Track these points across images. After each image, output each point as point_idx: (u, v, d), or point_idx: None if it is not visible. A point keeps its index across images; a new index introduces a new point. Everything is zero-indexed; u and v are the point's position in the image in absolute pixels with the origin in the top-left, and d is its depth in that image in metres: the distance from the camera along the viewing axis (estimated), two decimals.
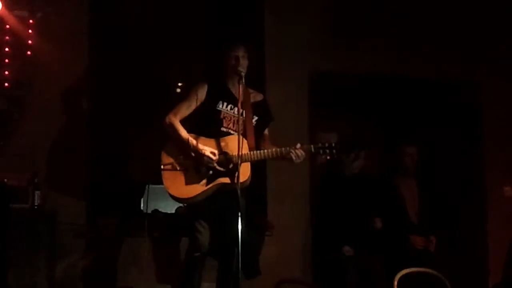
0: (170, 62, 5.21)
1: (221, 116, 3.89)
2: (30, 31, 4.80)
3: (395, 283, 4.02)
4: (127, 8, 5.10)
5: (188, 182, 3.78)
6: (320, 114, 5.57)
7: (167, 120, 3.85)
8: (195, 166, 3.79)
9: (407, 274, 4.11)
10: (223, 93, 3.94)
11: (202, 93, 3.92)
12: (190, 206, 3.94)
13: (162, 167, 3.79)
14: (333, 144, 3.81)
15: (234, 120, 3.89)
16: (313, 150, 3.83)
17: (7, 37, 4.75)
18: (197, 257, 3.80)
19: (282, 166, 5.04)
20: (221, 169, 3.77)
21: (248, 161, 3.76)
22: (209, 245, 3.80)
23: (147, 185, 4.52)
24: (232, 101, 3.91)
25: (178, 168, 3.80)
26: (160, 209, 4.85)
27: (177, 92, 5.24)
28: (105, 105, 5.04)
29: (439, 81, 5.79)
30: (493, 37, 5.84)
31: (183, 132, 3.81)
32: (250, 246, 3.83)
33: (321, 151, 3.82)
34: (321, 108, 5.56)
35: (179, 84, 5.23)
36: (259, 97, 4.05)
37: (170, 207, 4.82)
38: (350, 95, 5.71)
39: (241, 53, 3.90)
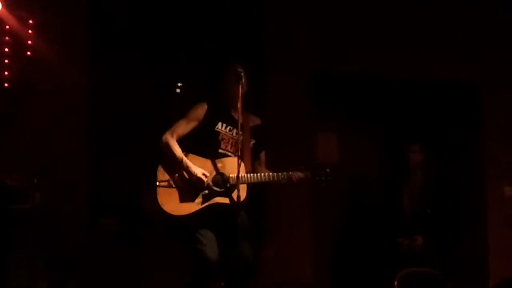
0: (170, 63, 5.21)
1: (219, 138, 3.91)
2: (30, 31, 4.81)
3: (395, 282, 4.03)
4: (127, 9, 5.11)
5: (184, 200, 3.78)
6: (320, 115, 5.56)
7: (163, 138, 3.85)
8: (190, 184, 3.79)
9: (408, 273, 4.13)
10: (222, 115, 3.95)
11: (201, 114, 3.92)
12: (187, 220, 3.87)
13: (157, 183, 3.79)
14: (328, 171, 3.88)
15: (232, 142, 3.91)
16: (309, 176, 3.90)
17: (7, 38, 4.75)
18: (208, 274, 3.74)
19: (282, 168, 5.05)
20: (217, 189, 3.79)
21: (245, 183, 3.78)
22: (217, 258, 3.73)
23: None
24: (231, 123, 3.92)
25: (173, 186, 3.80)
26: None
27: (177, 93, 5.24)
28: (105, 105, 5.05)
29: (439, 81, 5.78)
30: (494, 37, 5.83)
31: (178, 152, 3.81)
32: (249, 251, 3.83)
33: (317, 178, 3.90)
34: (321, 108, 5.55)
35: (179, 84, 5.23)
36: (257, 121, 4.07)
37: None
38: (350, 96, 5.71)
39: (239, 71, 3.86)
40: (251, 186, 3.83)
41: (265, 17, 5.46)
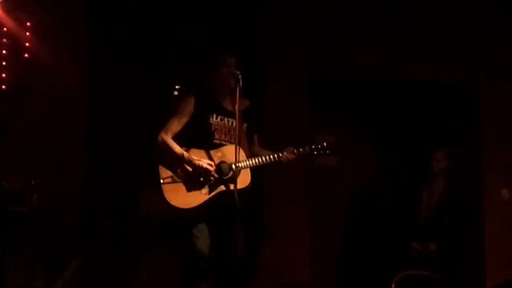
0: (169, 65, 5.21)
1: (212, 129, 3.95)
2: (27, 33, 4.80)
3: (393, 285, 4.04)
4: (125, 11, 5.11)
5: (190, 192, 3.81)
6: (319, 116, 5.56)
7: (159, 138, 3.89)
8: (195, 176, 3.82)
9: (405, 276, 4.14)
10: (211, 105, 3.99)
11: (190, 106, 3.96)
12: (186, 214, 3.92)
13: (161, 181, 3.81)
14: (326, 145, 4.00)
15: (225, 131, 3.96)
16: (308, 151, 3.98)
17: (4, 40, 4.76)
18: (199, 268, 3.80)
19: (280, 167, 5.05)
20: (222, 177, 3.81)
21: (247, 168, 3.84)
22: (209, 253, 3.80)
23: None
24: (222, 112, 3.98)
25: (178, 180, 3.82)
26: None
27: (175, 95, 5.24)
28: (102, 108, 5.04)
29: (437, 83, 5.78)
30: (493, 37, 5.83)
31: (177, 148, 3.85)
32: (247, 250, 3.84)
33: (315, 153, 4.01)
34: (320, 109, 5.55)
35: (177, 86, 5.23)
36: (246, 102, 4.04)
37: None
38: (349, 97, 5.71)
39: (232, 62, 3.92)
40: (254, 171, 3.90)
41: (264, 17, 5.46)
